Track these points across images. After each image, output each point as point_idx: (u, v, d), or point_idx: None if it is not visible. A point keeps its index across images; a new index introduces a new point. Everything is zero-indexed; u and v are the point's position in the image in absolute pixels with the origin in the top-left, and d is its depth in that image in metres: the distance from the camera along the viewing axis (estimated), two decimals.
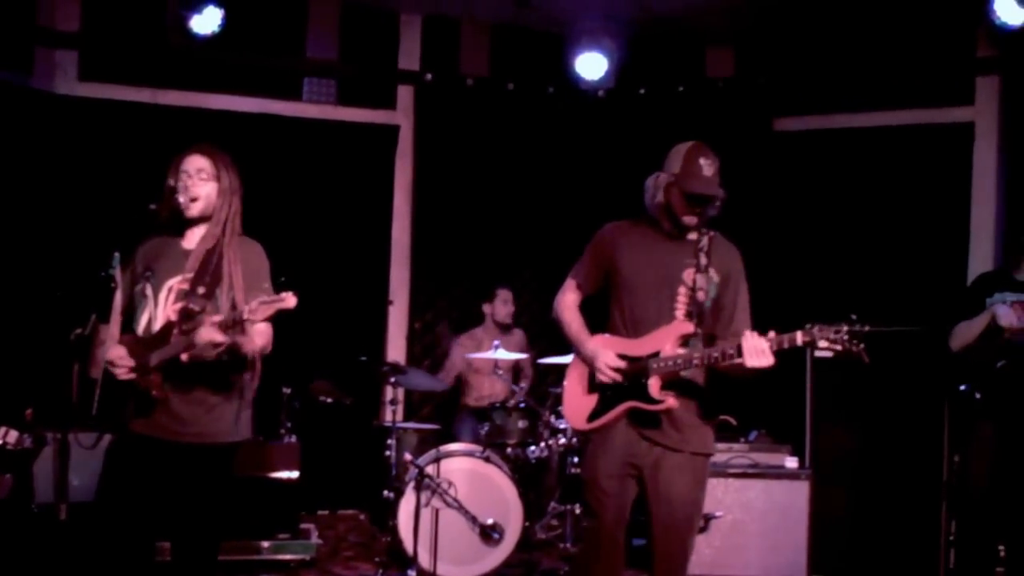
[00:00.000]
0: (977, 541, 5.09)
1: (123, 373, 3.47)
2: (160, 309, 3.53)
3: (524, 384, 6.28)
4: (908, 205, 6.72)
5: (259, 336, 3.53)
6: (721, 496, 5.51)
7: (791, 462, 5.70)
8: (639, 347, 3.67)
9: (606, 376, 3.66)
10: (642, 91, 7.20)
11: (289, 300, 3.20)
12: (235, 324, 3.29)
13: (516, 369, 6.58)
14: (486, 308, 6.66)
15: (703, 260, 3.66)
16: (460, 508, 5.29)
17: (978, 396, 5.02)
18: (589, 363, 3.75)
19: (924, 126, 6.78)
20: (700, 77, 7.23)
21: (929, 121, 6.78)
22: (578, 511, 5.69)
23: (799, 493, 5.56)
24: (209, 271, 3.52)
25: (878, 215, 6.76)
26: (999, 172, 6.64)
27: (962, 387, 5.06)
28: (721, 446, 5.75)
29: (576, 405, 3.80)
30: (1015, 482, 4.94)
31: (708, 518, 5.44)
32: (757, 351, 3.40)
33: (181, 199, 3.56)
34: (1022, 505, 4.95)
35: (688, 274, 3.66)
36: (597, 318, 3.86)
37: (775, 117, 7.09)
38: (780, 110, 7.08)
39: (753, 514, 5.52)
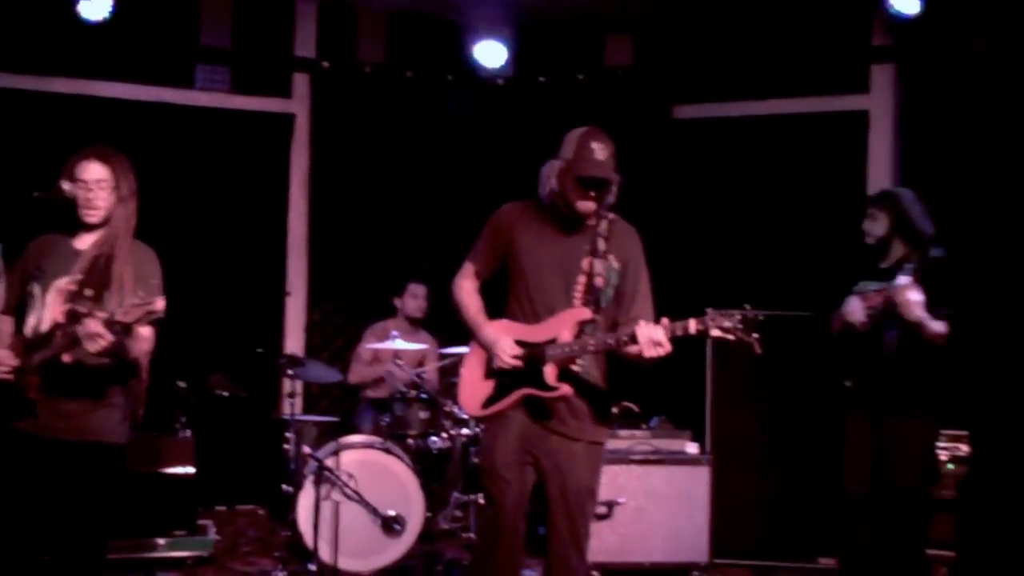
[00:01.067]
0: (851, 532, 5.14)
1: (3, 373, 3.43)
2: (47, 310, 3.47)
3: (427, 374, 6.22)
4: (805, 192, 6.81)
5: (144, 341, 3.48)
6: (624, 483, 5.53)
7: (692, 447, 5.75)
8: (536, 333, 3.64)
9: (504, 363, 3.62)
10: (541, 79, 7.18)
11: (158, 304, 3.17)
12: (114, 324, 3.23)
13: (419, 362, 6.50)
14: (396, 302, 6.58)
15: (601, 245, 3.64)
16: (360, 500, 5.22)
17: (848, 384, 5.04)
18: (487, 349, 3.71)
19: (820, 114, 6.88)
20: (599, 66, 7.23)
21: (825, 109, 6.88)
22: (481, 501, 5.66)
23: (700, 478, 5.61)
24: (98, 274, 3.46)
25: (776, 202, 6.83)
26: (894, 160, 6.76)
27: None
28: (623, 433, 5.79)
29: (472, 391, 3.76)
30: (880, 473, 4.87)
31: (611, 505, 5.47)
32: (652, 341, 3.39)
33: (81, 209, 3.50)
34: (888, 497, 4.86)
35: (586, 260, 3.63)
36: (499, 302, 3.82)
37: (674, 105, 7.12)
38: (679, 98, 7.12)
39: (656, 500, 5.55)
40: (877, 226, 4.97)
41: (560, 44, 7.22)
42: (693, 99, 7.09)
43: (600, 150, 3.58)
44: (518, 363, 3.61)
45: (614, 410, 5.95)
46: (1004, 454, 5.57)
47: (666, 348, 3.40)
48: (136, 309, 3.17)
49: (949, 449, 5.71)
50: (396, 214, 7.17)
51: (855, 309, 4.87)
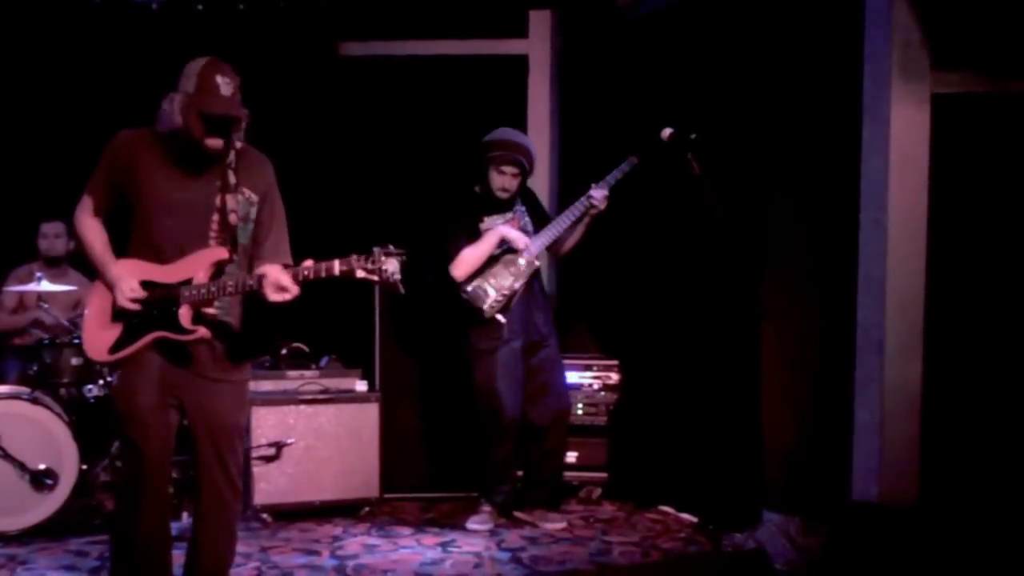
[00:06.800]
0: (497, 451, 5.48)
1: None
2: None
3: (80, 318, 5.82)
4: (468, 134, 6.91)
5: None
6: (293, 423, 5.49)
7: (361, 385, 5.78)
8: (169, 274, 3.48)
9: (124, 304, 3.45)
10: (200, 7, 6.79)
11: None
12: None
13: (74, 305, 6.10)
14: (38, 243, 6.11)
15: (232, 179, 3.48)
16: (4, 456, 4.90)
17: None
18: (111, 289, 3.51)
19: (482, 56, 7.01)
20: None
21: (487, 52, 7.02)
22: None
23: (369, 415, 5.67)
24: None
25: (440, 143, 6.88)
26: (552, 103, 7.03)
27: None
28: (292, 373, 5.75)
29: (97, 335, 3.56)
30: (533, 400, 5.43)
31: (280, 446, 5.42)
32: (278, 287, 3.33)
33: None
34: (544, 420, 5.45)
35: (219, 197, 3.48)
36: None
37: (340, 41, 6.99)
38: (345, 34, 7.00)
39: (325, 438, 5.55)
40: None
41: None
42: (359, 36, 6.99)
43: (226, 84, 3.41)
44: (136, 306, 3.46)
45: (283, 351, 5.89)
46: (646, 382, 6.03)
47: (293, 292, 3.35)
48: None
49: (601, 378, 6.11)
50: (29, 147, 6.53)
51: (519, 236, 5.32)
